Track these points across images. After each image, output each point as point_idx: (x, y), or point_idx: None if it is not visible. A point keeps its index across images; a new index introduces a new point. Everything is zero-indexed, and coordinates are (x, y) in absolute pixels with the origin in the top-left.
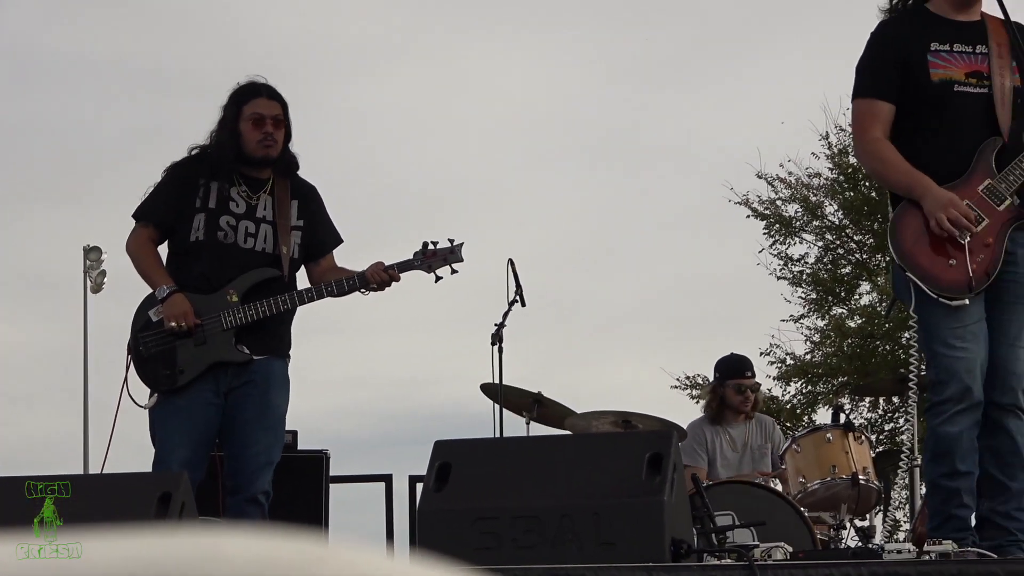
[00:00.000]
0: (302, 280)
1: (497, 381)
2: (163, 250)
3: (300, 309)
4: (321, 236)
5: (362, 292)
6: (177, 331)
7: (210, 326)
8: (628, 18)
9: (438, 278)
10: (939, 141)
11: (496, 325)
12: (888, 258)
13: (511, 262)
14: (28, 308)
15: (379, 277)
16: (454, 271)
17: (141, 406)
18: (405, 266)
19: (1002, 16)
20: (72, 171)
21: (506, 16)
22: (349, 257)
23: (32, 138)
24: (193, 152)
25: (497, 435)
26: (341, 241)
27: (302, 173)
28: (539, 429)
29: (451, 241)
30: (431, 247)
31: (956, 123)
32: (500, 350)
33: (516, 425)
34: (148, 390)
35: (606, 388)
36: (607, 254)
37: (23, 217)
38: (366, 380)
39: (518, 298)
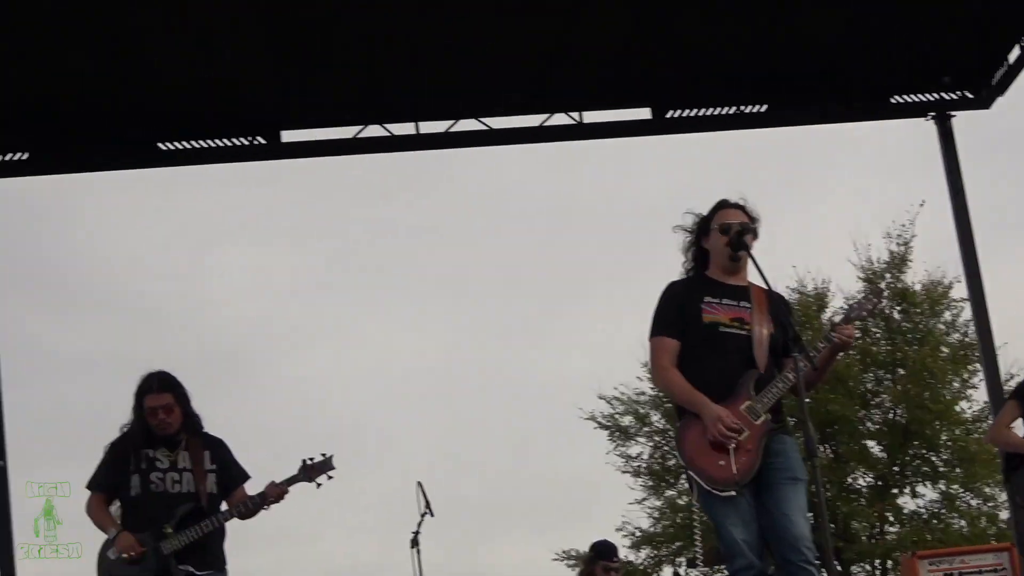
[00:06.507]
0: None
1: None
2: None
3: (260, 532)
4: (232, 476)
5: (265, 508)
6: (128, 559)
7: (156, 554)
8: (480, 292)
9: (319, 485)
10: (711, 368)
11: (413, 532)
12: None
13: (420, 484)
14: None
15: (275, 492)
16: (330, 478)
17: None
18: (292, 481)
19: (764, 285)
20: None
21: (394, 295)
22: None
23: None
24: (124, 430)
25: None
26: (248, 477)
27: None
28: None
29: (324, 455)
30: (309, 462)
31: (724, 355)
32: (418, 551)
33: None
34: None
35: (504, 566)
36: (489, 464)
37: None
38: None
39: (428, 511)
